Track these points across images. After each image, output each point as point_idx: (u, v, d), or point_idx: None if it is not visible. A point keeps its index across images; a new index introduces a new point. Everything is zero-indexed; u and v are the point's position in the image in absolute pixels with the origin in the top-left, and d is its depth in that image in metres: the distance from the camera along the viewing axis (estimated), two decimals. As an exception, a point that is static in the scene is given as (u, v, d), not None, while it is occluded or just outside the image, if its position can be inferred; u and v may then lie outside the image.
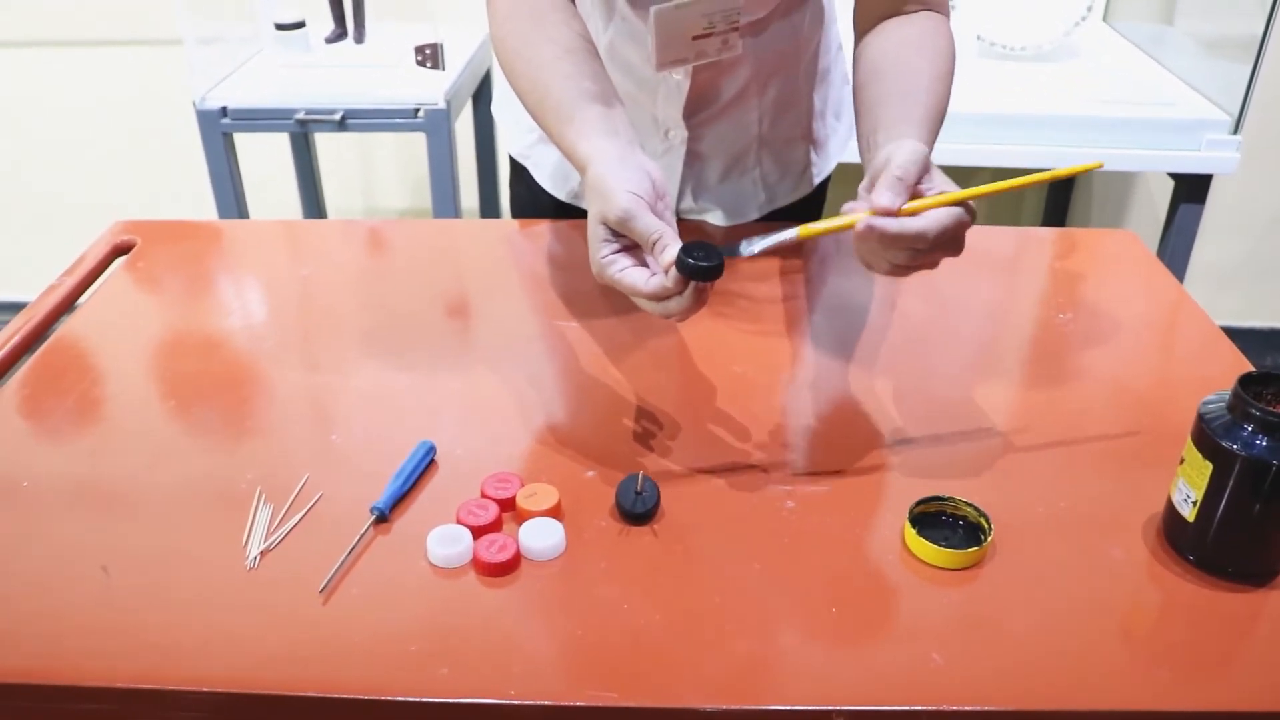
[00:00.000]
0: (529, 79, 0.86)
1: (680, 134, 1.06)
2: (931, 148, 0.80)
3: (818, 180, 1.16)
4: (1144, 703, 0.58)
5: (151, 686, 0.59)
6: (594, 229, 0.73)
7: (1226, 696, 0.59)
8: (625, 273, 0.72)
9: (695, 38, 0.92)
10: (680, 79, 1.01)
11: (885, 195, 0.71)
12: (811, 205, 1.17)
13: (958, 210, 0.71)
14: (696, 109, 1.04)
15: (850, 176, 2.77)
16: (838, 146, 1.17)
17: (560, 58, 0.85)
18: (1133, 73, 1.97)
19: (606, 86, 0.84)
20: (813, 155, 1.14)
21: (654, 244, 0.71)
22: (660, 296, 0.71)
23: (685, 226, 1.12)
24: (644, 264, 0.73)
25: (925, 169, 0.73)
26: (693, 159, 1.08)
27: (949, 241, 0.72)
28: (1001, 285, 1.05)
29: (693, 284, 0.69)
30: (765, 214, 1.14)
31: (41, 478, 0.76)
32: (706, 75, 1.01)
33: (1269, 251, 2.37)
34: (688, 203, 1.12)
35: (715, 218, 1.13)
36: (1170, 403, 0.84)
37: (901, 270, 0.74)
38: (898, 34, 0.91)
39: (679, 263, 0.68)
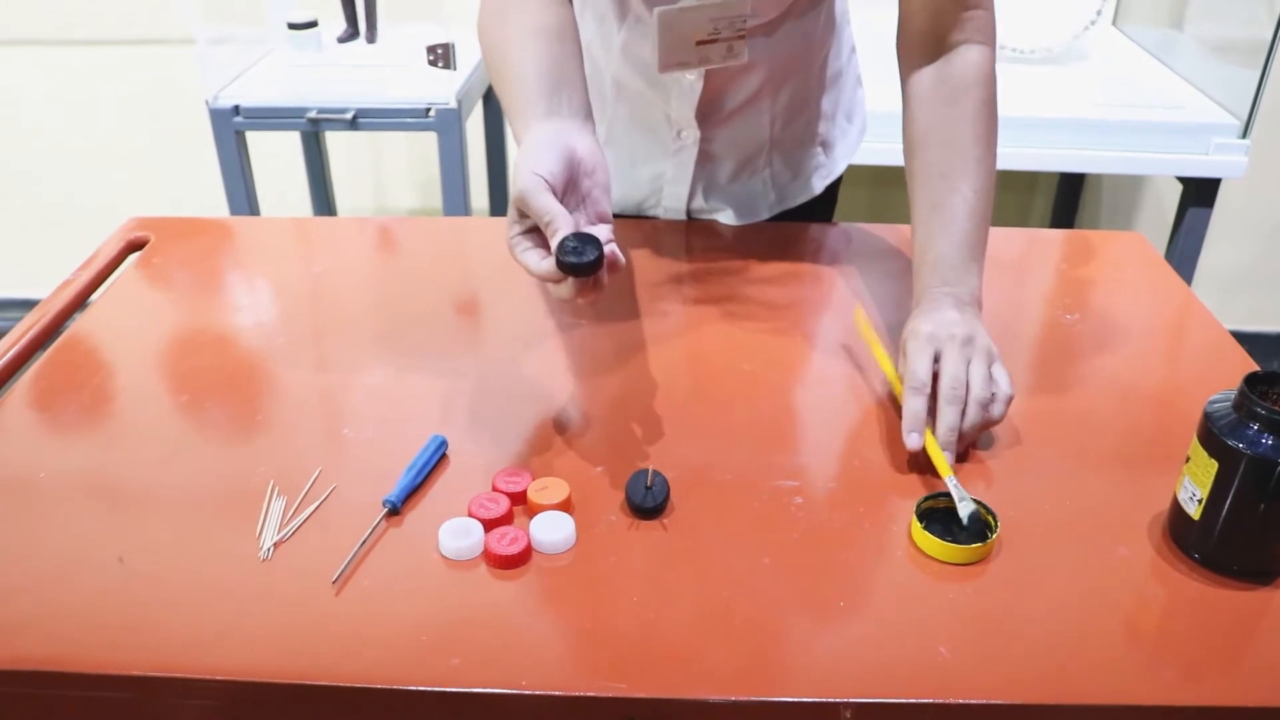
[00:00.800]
0: (497, 61, 0.87)
1: (693, 134, 1.06)
2: (971, 274, 0.88)
3: (828, 181, 1.16)
4: (1149, 697, 0.59)
5: (168, 675, 0.60)
6: (509, 209, 0.75)
7: (1230, 692, 0.59)
8: (525, 254, 0.73)
9: (700, 42, 0.92)
10: (693, 80, 1.01)
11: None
12: (821, 206, 1.18)
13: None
14: (709, 111, 1.05)
15: (859, 178, 2.75)
16: (848, 148, 1.18)
17: (524, 39, 0.86)
18: (1141, 76, 1.97)
19: (565, 68, 0.84)
20: (822, 157, 1.15)
21: (546, 225, 0.71)
22: (547, 280, 0.72)
23: (696, 225, 1.13)
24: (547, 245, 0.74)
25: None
26: (704, 159, 1.09)
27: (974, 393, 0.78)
28: (1010, 286, 1.05)
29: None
30: (775, 214, 1.15)
31: (57, 471, 0.77)
32: (720, 78, 1.02)
33: (1277, 256, 2.37)
34: (699, 202, 1.13)
35: (726, 217, 1.14)
36: (1177, 403, 0.85)
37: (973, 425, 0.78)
38: (943, 110, 0.91)
39: (556, 255, 0.69)
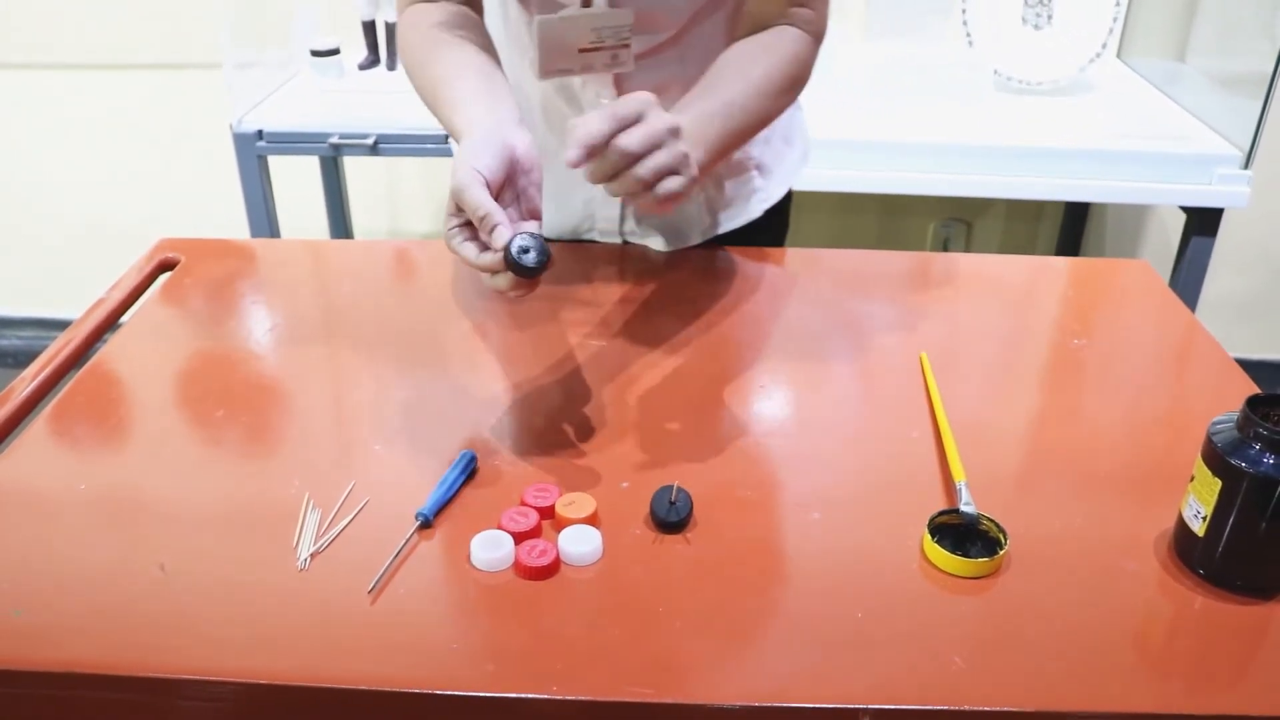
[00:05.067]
0: (429, 78, 0.92)
1: None
2: (710, 135, 0.87)
3: (767, 205, 1.17)
4: (1155, 707, 0.61)
5: (209, 678, 0.63)
6: (448, 202, 0.78)
7: (1233, 703, 0.61)
8: (462, 245, 0.77)
9: (582, 50, 0.94)
10: (607, 104, 1.03)
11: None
12: (761, 231, 1.18)
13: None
14: None
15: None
16: (788, 172, 1.18)
17: (454, 56, 0.91)
18: (1146, 108, 2.00)
19: (495, 79, 0.88)
20: (759, 180, 1.15)
21: (482, 221, 0.75)
22: (488, 271, 0.76)
23: (628, 251, 1.15)
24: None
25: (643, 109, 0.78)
26: None
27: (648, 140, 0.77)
28: (1018, 311, 1.08)
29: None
30: (709, 238, 1.16)
31: (96, 484, 0.80)
32: None
33: (1279, 285, 2.39)
34: (630, 226, 1.14)
35: (656, 243, 1.14)
36: (1181, 425, 0.87)
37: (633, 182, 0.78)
38: (744, 43, 0.97)
39: (505, 255, 0.73)
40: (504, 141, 0.79)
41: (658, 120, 0.78)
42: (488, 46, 0.95)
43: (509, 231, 0.74)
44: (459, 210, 0.77)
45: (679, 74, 1.02)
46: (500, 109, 0.83)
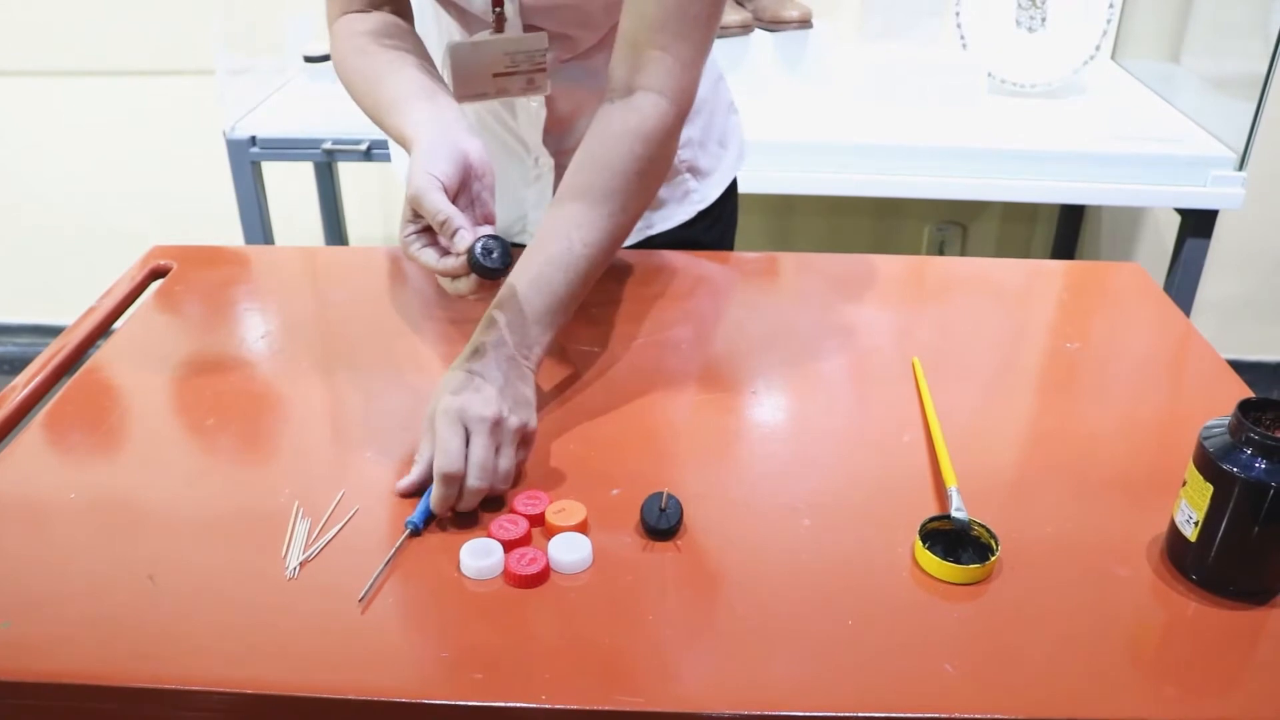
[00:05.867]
0: (367, 84, 0.91)
1: (547, 161, 1.08)
2: (554, 312, 0.84)
3: (702, 206, 1.17)
4: (1148, 713, 0.61)
5: (198, 688, 0.62)
6: (404, 208, 0.78)
7: (1226, 709, 0.61)
8: (421, 251, 0.78)
9: (496, 75, 0.95)
10: (537, 107, 1.03)
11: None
12: (700, 230, 1.17)
13: None
14: (561, 138, 1.07)
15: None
16: (725, 173, 1.18)
17: (390, 61, 0.90)
18: (1140, 110, 2.01)
19: (434, 83, 0.88)
20: (693, 183, 1.16)
21: (442, 225, 0.75)
22: (449, 275, 0.77)
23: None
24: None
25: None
26: None
27: None
28: (1012, 315, 1.08)
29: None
30: (642, 240, 1.16)
31: (85, 493, 0.79)
32: (566, 105, 1.04)
33: (1273, 286, 2.40)
34: None
35: None
36: (1175, 430, 0.87)
37: None
38: (598, 146, 0.89)
39: (470, 257, 0.74)
40: (457, 147, 0.78)
41: (479, 447, 0.75)
42: (424, 54, 0.94)
43: (471, 235, 0.75)
44: (416, 216, 0.77)
45: (595, 86, 0.97)
46: (447, 115, 0.83)
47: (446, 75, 0.95)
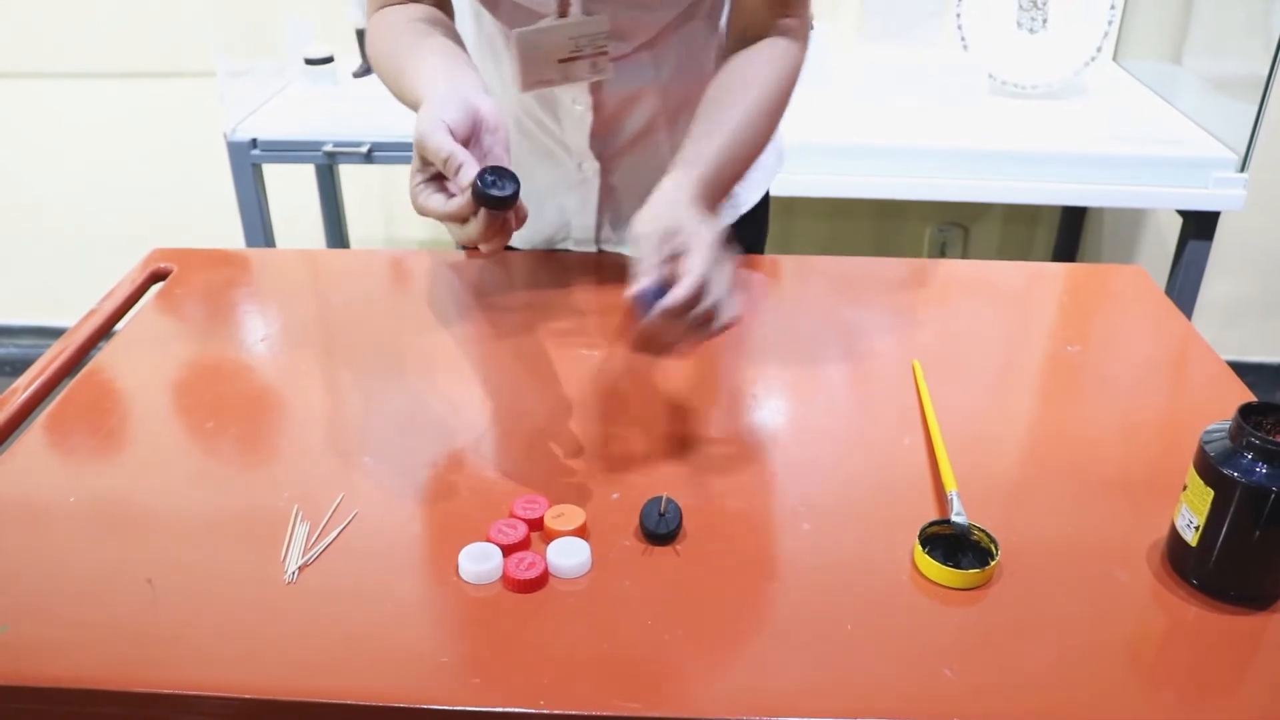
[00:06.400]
0: (394, 68, 0.91)
1: (593, 166, 1.08)
2: (716, 171, 0.87)
3: (741, 211, 1.17)
4: (1148, 718, 0.61)
5: (195, 692, 0.62)
6: (413, 158, 0.76)
7: (1226, 714, 0.61)
8: (430, 198, 0.75)
9: (561, 60, 0.94)
10: (583, 110, 1.03)
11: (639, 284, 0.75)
12: (737, 236, 1.16)
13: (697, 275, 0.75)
14: (606, 141, 1.07)
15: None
16: (762, 177, 1.18)
17: (422, 46, 0.90)
18: (1141, 111, 2.00)
19: (454, 50, 0.88)
20: (736, 186, 1.16)
21: (445, 163, 0.72)
22: (456, 218, 0.73)
23: (605, 259, 1.15)
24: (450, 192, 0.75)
25: (664, 231, 0.78)
26: (608, 191, 1.11)
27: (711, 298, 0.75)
28: (1014, 318, 1.08)
29: (484, 210, 0.71)
30: None
31: (85, 496, 0.79)
32: (611, 108, 1.04)
33: (1275, 288, 2.39)
34: (606, 233, 1.14)
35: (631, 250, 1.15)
36: (1175, 433, 0.87)
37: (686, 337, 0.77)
38: (738, 66, 0.96)
39: (473, 188, 0.70)
40: (467, 99, 0.77)
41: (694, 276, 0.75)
42: (456, 39, 0.95)
43: (476, 168, 0.72)
44: (425, 165, 0.75)
45: (653, 79, 1.03)
46: (460, 75, 0.82)
47: (511, 65, 0.94)
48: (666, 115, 1.06)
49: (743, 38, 0.99)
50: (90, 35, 2.34)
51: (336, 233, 2.41)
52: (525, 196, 1.03)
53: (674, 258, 0.77)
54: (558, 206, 1.14)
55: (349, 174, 2.41)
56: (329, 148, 1.87)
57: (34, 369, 0.95)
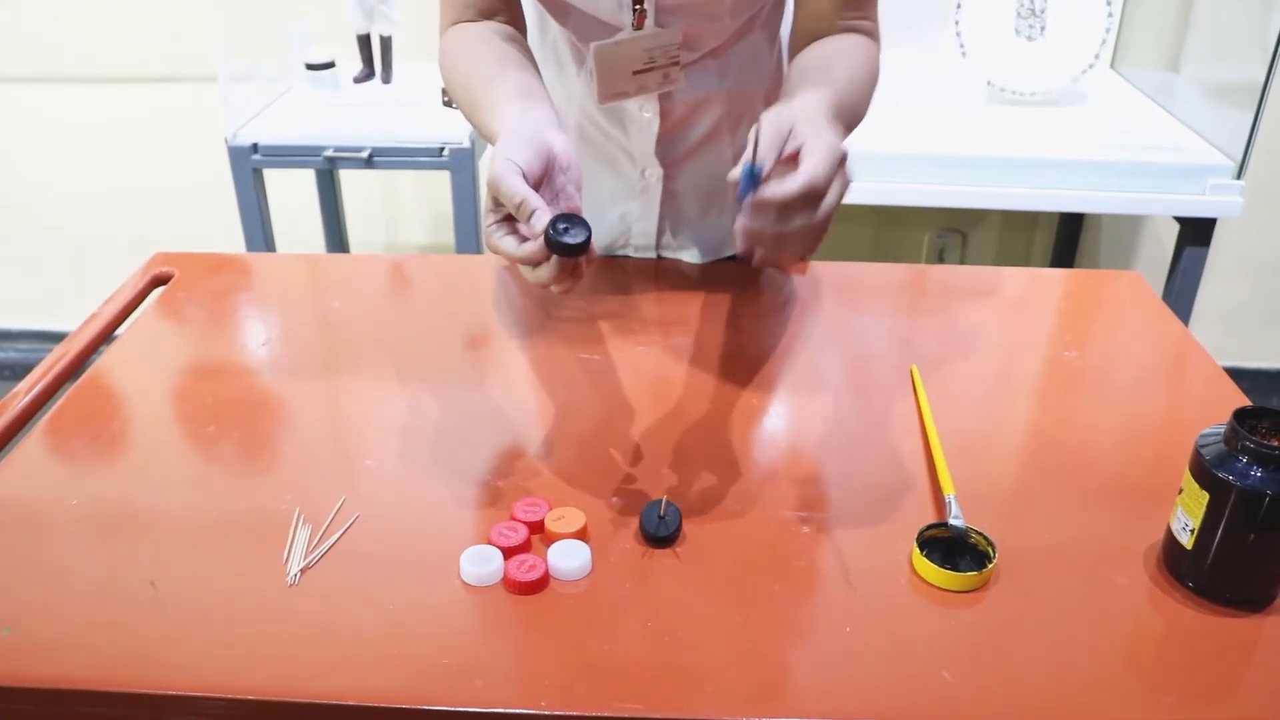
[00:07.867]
0: (462, 83, 0.92)
1: (656, 172, 1.09)
2: (840, 101, 0.85)
3: None
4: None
5: (198, 694, 0.63)
6: (485, 198, 0.76)
7: (1224, 716, 0.62)
8: (502, 240, 0.75)
9: (636, 72, 0.96)
10: (650, 117, 1.04)
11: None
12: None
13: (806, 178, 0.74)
14: (670, 148, 1.08)
15: (852, 215, 2.79)
16: None
17: (491, 62, 0.90)
18: (1139, 118, 2.01)
19: (533, 85, 0.88)
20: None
21: (519, 208, 0.73)
22: (529, 262, 0.74)
23: (664, 264, 1.16)
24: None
25: (790, 126, 0.77)
26: (670, 197, 1.11)
27: (804, 201, 0.74)
28: (1010, 323, 1.08)
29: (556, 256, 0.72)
30: (719, 258, 1.16)
31: (87, 499, 0.80)
32: (677, 115, 1.05)
33: (1272, 294, 2.40)
34: (667, 239, 1.15)
35: (691, 255, 1.15)
36: (1172, 438, 0.87)
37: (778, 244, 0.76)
38: (824, 44, 0.96)
39: (545, 235, 0.71)
40: (540, 138, 0.77)
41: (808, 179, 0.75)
42: (530, 60, 0.95)
43: (548, 214, 0.72)
44: (497, 205, 0.75)
45: (718, 87, 1.04)
46: (536, 111, 0.82)
47: (589, 79, 0.95)
48: (730, 121, 1.07)
49: (810, 38, 0.98)
50: (92, 40, 2.34)
51: (337, 237, 2.42)
52: (588, 202, 1.01)
53: (792, 157, 0.76)
54: (620, 214, 1.14)
55: (349, 179, 2.42)
56: (330, 153, 1.87)
57: (35, 373, 0.96)
